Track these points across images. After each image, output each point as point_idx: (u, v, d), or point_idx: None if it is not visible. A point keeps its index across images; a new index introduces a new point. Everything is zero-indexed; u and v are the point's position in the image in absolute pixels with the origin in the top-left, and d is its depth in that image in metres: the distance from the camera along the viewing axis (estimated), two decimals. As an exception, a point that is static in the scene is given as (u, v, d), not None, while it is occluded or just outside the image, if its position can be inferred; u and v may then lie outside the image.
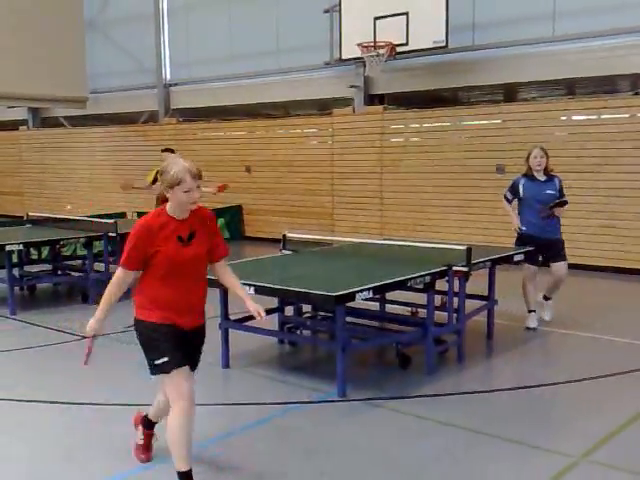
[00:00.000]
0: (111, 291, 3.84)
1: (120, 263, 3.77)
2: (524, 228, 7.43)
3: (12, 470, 4.22)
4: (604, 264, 10.69)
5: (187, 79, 16.69)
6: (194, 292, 3.83)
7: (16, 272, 9.14)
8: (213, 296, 6.21)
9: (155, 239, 3.62)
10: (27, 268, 9.75)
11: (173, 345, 3.73)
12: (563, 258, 7.39)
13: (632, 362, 6.16)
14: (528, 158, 7.38)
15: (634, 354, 6.48)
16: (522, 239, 7.45)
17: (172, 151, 11.43)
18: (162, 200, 3.73)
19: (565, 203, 7.27)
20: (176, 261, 3.66)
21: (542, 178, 7.31)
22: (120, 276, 3.79)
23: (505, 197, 7.61)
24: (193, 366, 3.95)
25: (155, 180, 11.40)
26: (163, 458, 4.31)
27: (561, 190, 7.34)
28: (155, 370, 3.77)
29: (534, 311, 7.49)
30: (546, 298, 7.72)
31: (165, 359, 3.70)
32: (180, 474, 3.76)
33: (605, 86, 11.80)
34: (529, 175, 7.37)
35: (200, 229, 3.75)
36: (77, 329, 7.41)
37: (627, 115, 10.49)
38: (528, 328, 7.37)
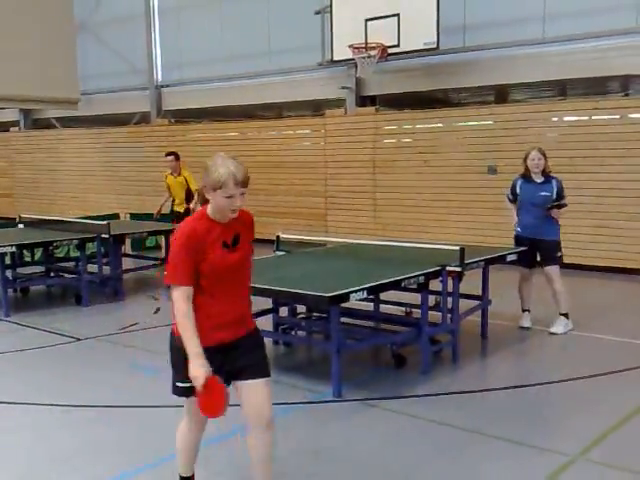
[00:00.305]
0: (185, 322, 3.24)
1: (174, 282, 3.25)
2: (519, 229, 7.46)
3: (7, 472, 4.21)
4: (597, 264, 10.74)
5: (179, 80, 16.67)
6: (240, 300, 3.45)
7: (9, 274, 9.11)
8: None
9: (203, 246, 3.23)
10: (20, 270, 9.73)
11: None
12: (555, 262, 7.29)
13: (627, 361, 6.21)
14: (526, 159, 7.34)
15: (629, 353, 6.52)
16: (517, 240, 7.49)
17: (176, 155, 11.52)
18: (203, 198, 3.36)
19: (563, 205, 7.23)
20: (222, 269, 3.28)
21: (539, 180, 7.28)
22: (181, 296, 3.24)
23: (507, 197, 7.63)
24: (259, 373, 3.51)
25: (169, 189, 11.56)
26: (162, 458, 4.32)
27: (560, 192, 7.25)
28: (176, 391, 3.48)
29: (528, 310, 7.52)
30: (561, 314, 7.45)
31: (188, 384, 3.30)
32: (180, 478, 3.81)
33: (596, 87, 11.87)
34: (526, 176, 7.36)
35: (243, 232, 3.40)
36: (69, 331, 7.42)
37: (618, 116, 10.55)
38: (522, 327, 7.41)
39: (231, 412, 5.18)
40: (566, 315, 7.34)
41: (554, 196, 7.22)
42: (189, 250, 3.21)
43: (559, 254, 7.33)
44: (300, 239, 8.00)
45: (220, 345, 3.34)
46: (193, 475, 3.78)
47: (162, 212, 11.83)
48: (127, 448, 4.50)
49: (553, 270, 7.30)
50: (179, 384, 3.43)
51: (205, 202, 3.33)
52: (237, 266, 3.34)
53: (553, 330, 7.24)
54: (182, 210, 11.46)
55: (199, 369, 3.15)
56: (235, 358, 3.42)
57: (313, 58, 13.50)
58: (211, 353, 3.24)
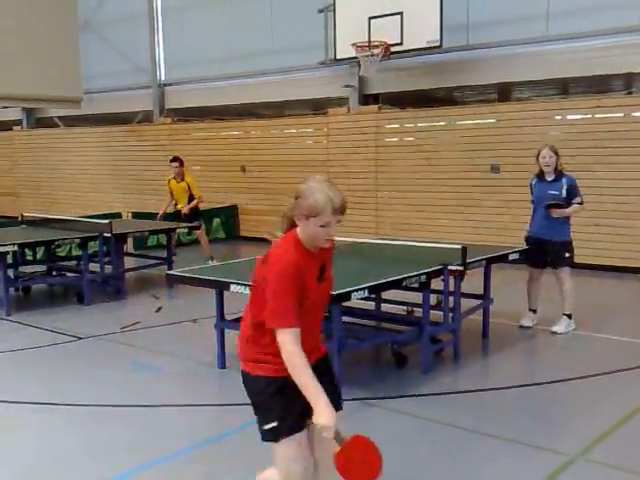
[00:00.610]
0: (301, 364, 2.82)
1: (284, 324, 2.83)
2: (529, 229, 7.39)
3: (8, 471, 4.21)
4: (597, 262, 10.72)
5: (182, 79, 16.67)
6: (317, 326, 3.18)
7: (11, 273, 9.12)
8: (209, 296, 6.24)
9: (304, 279, 2.89)
10: (22, 269, 9.73)
11: (285, 404, 2.97)
12: (564, 263, 7.20)
13: (628, 360, 6.19)
14: (537, 157, 7.20)
15: (630, 352, 6.50)
16: (526, 240, 7.42)
17: (181, 161, 11.57)
18: (289, 223, 3.03)
19: (560, 205, 7.06)
20: (318, 301, 3.02)
21: (550, 178, 7.16)
22: (292, 340, 2.81)
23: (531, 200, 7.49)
24: (336, 407, 2.96)
25: (171, 193, 11.56)
26: (164, 457, 4.32)
27: (570, 190, 7.06)
28: (266, 437, 3.06)
29: (534, 310, 7.50)
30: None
31: (276, 423, 2.99)
32: None
33: (599, 86, 11.84)
34: (539, 175, 7.25)
35: (328, 260, 3.15)
36: (71, 330, 7.42)
37: (621, 114, 10.52)
38: (521, 326, 7.40)
39: (228, 412, 5.19)
40: (569, 316, 7.31)
41: (563, 195, 7.06)
42: (295, 285, 2.85)
43: (567, 255, 7.20)
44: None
45: None
46: None
47: (167, 212, 11.84)
48: (128, 447, 4.50)
49: (563, 271, 7.25)
50: (267, 426, 3.02)
51: (290, 227, 3.02)
52: (326, 297, 3.13)
53: (555, 329, 7.21)
54: (187, 212, 11.54)
55: (328, 409, 2.80)
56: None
57: (316, 57, 13.48)
58: (292, 382, 2.86)
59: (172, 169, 11.64)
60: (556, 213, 7.11)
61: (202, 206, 12.14)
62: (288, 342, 2.81)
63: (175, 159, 11.71)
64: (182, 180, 11.58)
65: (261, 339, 2.98)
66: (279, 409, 2.98)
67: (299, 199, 2.93)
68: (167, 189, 11.84)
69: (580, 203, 7.13)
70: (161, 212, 11.76)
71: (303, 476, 3.06)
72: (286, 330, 2.82)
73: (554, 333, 7.15)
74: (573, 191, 7.10)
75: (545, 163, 7.11)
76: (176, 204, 11.76)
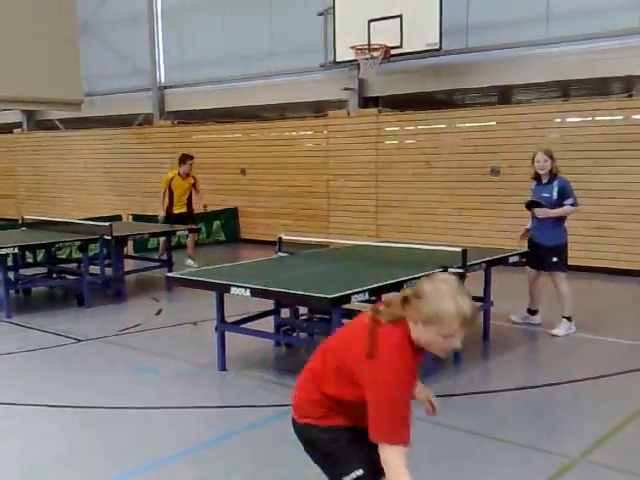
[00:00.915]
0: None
1: (399, 441, 2.53)
2: (530, 231, 7.41)
3: (8, 472, 4.21)
4: (597, 265, 10.72)
5: (182, 81, 16.68)
6: None
7: (11, 275, 9.12)
8: (209, 299, 6.23)
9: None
10: (22, 271, 9.73)
11: (367, 451, 2.66)
12: (554, 267, 7.17)
13: (628, 362, 6.19)
14: (533, 161, 7.22)
15: (629, 354, 6.50)
16: (527, 241, 7.47)
17: (191, 157, 11.55)
18: (394, 317, 2.61)
19: (540, 205, 7.04)
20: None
21: (545, 181, 7.17)
22: (401, 461, 2.54)
23: None
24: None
25: (171, 192, 11.44)
26: (163, 459, 4.32)
27: (560, 191, 7.04)
28: None
29: (533, 312, 7.53)
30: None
31: (359, 472, 2.72)
32: None
33: (599, 88, 11.85)
34: (537, 178, 7.27)
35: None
36: (71, 332, 7.42)
37: (621, 117, 10.53)
38: (511, 319, 7.56)
39: (228, 414, 5.20)
40: (569, 318, 7.30)
41: (554, 197, 7.06)
42: (410, 392, 2.59)
43: (555, 259, 7.15)
44: (302, 240, 8.00)
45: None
46: None
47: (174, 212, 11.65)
48: (127, 449, 4.49)
49: (556, 276, 7.24)
50: (351, 476, 2.73)
51: (396, 321, 2.61)
52: None
53: (554, 332, 7.20)
54: (184, 210, 11.48)
55: None
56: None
57: (316, 59, 13.50)
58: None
59: (185, 167, 11.51)
60: (539, 212, 7.08)
61: (203, 209, 12.09)
62: (398, 463, 2.51)
63: (191, 157, 11.68)
64: (188, 176, 11.55)
65: (335, 406, 2.71)
66: (360, 456, 2.71)
67: (420, 300, 2.53)
68: (163, 187, 11.57)
69: (572, 204, 7.08)
70: (164, 213, 11.58)
71: None
72: (398, 448, 2.50)
73: (554, 336, 7.15)
74: (564, 192, 7.06)
75: (540, 167, 7.13)
76: (188, 203, 11.61)
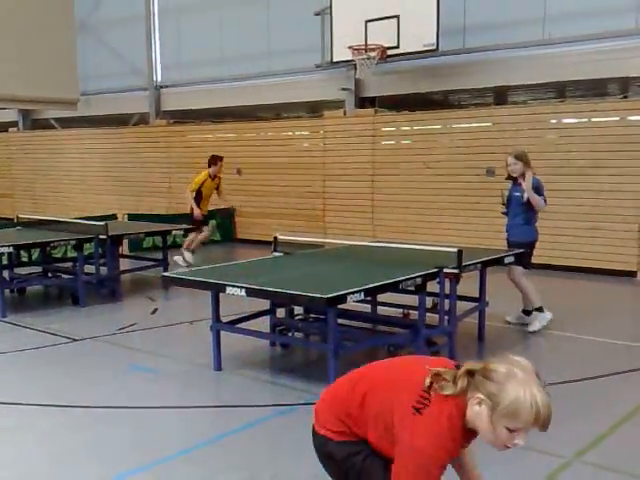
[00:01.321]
0: None
1: None
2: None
3: (6, 472, 4.20)
4: (592, 266, 10.74)
5: (178, 81, 16.66)
6: None
7: (6, 274, 9.09)
8: (205, 298, 6.23)
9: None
10: (17, 270, 9.71)
11: (386, 463, 2.56)
12: (516, 262, 7.22)
13: (624, 363, 6.20)
14: (507, 164, 7.44)
15: (624, 355, 6.52)
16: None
17: (221, 159, 11.62)
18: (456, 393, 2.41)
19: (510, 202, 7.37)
20: None
21: (520, 181, 7.35)
22: None
23: None
24: None
25: (199, 192, 11.42)
26: (159, 460, 4.31)
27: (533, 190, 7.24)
28: None
29: (527, 312, 7.55)
30: (524, 312, 7.63)
31: None
32: None
33: (595, 89, 11.88)
34: (512, 179, 7.46)
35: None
36: (66, 331, 7.40)
37: (617, 118, 10.56)
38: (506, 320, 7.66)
39: (223, 414, 5.19)
40: (539, 309, 7.38)
41: (525, 196, 7.23)
42: (441, 470, 2.40)
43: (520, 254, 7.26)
44: (298, 240, 8.00)
45: None
46: None
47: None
48: (124, 449, 4.49)
49: (514, 269, 7.32)
50: None
51: (449, 400, 2.39)
52: None
53: (530, 329, 7.30)
54: (207, 211, 11.72)
55: None
56: None
57: (312, 59, 13.50)
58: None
59: (215, 168, 11.62)
60: (525, 186, 7.18)
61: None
62: None
63: (221, 158, 11.79)
64: (216, 177, 11.73)
65: (354, 429, 2.63)
66: (383, 469, 2.54)
67: (491, 384, 2.32)
68: (191, 188, 11.55)
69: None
70: (199, 211, 11.51)
71: None
72: None
73: (531, 333, 7.24)
74: (536, 191, 7.23)
75: (511, 170, 7.34)
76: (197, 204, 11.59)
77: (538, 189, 7.27)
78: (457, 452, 2.47)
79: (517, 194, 7.31)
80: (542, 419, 2.25)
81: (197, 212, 11.45)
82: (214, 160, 11.67)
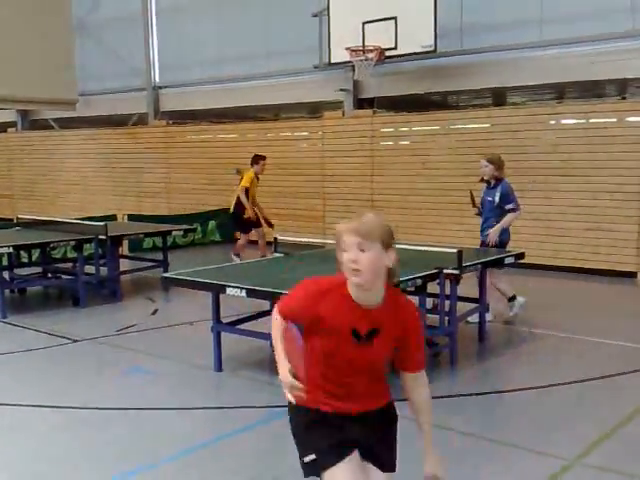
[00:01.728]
0: (275, 336, 2.96)
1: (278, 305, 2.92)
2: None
3: (4, 473, 4.21)
4: (592, 266, 10.76)
5: (176, 82, 16.67)
6: (364, 387, 2.78)
7: (6, 275, 9.10)
8: (205, 299, 6.24)
9: (323, 318, 2.68)
10: (17, 271, 9.72)
11: (324, 435, 2.71)
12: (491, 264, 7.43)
13: (624, 364, 6.22)
14: None
15: (626, 356, 6.53)
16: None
17: (263, 158, 11.39)
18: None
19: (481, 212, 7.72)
20: (348, 360, 2.67)
21: (491, 185, 7.61)
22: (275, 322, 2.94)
23: None
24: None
25: (247, 192, 11.20)
26: (159, 461, 4.33)
27: (502, 197, 7.47)
28: (307, 472, 2.81)
29: (510, 299, 7.71)
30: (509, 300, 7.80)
31: (312, 456, 2.73)
32: None
33: (593, 91, 11.90)
34: (485, 182, 7.72)
35: (385, 325, 2.65)
36: (66, 332, 7.41)
37: (615, 119, 10.58)
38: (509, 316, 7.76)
39: (224, 415, 5.20)
40: (513, 298, 7.58)
41: (496, 201, 7.47)
42: (303, 301, 2.74)
43: None
44: (298, 241, 8.01)
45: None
46: None
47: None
48: (124, 450, 4.50)
49: (493, 271, 7.42)
50: (305, 459, 2.76)
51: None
52: (370, 363, 2.70)
53: (511, 313, 7.57)
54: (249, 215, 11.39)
55: (285, 370, 2.71)
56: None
57: (311, 60, 13.51)
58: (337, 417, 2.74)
59: (258, 167, 11.40)
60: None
61: (198, 208, 12.01)
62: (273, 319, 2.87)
63: (264, 157, 11.52)
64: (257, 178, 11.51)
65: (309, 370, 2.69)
66: (317, 440, 2.70)
67: None
68: (243, 184, 11.30)
69: (513, 209, 7.46)
70: (253, 212, 11.37)
71: None
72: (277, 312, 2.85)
73: (512, 317, 7.51)
74: (505, 198, 7.48)
75: (481, 172, 7.61)
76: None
77: (507, 196, 7.48)
78: (341, 313, 2.64)
79: (489, 198, 7.54)
80: (353, 227, 2.68)
81: (252, 213, 11.28)
82: (256, 159, 11.43)
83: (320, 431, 2.70)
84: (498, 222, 7.48)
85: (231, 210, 11.47)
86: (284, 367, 2.70)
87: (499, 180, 7.53)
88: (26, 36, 14.68)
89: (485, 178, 7.58)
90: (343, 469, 2.64)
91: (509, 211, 7.46)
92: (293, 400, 2.65)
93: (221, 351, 6.10)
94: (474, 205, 7.80)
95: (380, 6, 11.89)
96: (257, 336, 6.32)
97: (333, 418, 2.70)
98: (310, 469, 2.73)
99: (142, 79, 17.10)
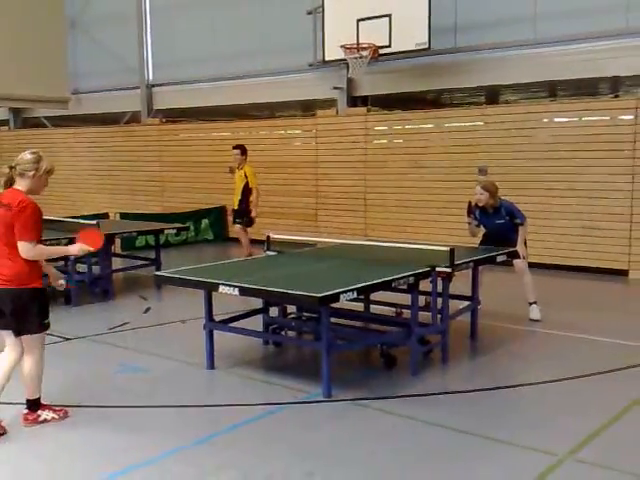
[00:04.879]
0: None
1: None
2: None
3: (-4, 472, 4.20)
4: (584, 264, 10.79)
5: (170, 79, 16.62)
6: None
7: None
8: (197, 297, 6.23)
9: None
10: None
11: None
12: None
13: (614, 361, 6.24)
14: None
15: (616, 353, 6.55)
16: None
17: (243, 149, 11.44)
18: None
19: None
20: None
21: (491, 211, 7.76)
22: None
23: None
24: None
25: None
26: (149, 458, 4.32)
27: (510, 214, 7.73)
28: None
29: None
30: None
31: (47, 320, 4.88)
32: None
33: (586, 88, 11.92)
34: (480, 208, 7.81)
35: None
36: (58, 331, 7.38)
37: (608, 117, 10.60)
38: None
39: (217, 413, 5.20)
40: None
41: (507, 219, 7.71)
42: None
43: None
44: (291, 239, 8.00)
45: None
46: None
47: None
48: (116, 448, 4.49)
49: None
50: (45, 321, 4.79)
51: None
52: None
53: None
54: (236, 207, 11.52)
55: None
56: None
57: (304, 58, 13.51)
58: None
59: (232, 157, 11.48)
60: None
61: (191, 207, 11.96)
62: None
63: (237, 146, 11.57)
64: (241, 169, 11.48)
65: None
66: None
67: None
68: (255, 184, 11.51)
69: (521, 223, 7.70)
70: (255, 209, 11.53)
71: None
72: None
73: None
74: (513, 214, 7.73)
75: (477, 199, 7.74)
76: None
77: (514, 212, 7.71)
78: None
79: (500, 221, 7.70)
80: None
81: (255, 210, 11.51)
82: (234, 148, 11.56)
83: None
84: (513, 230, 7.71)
85: (236, 207, 11.60)
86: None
87: (498, 203, 7.72)
88: (19, 34, 14.63)
89: (480, 205, 7.71)
90: None
91: (520, 224, 7.68)
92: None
93: (214, 349, 6.09)
94: (469, 215, 7.78)
95: (374, 4, 11.88)
96: (250, 334, 6.32)
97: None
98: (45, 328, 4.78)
99: (135, 77, 17.05)
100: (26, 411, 4.86)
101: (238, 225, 11.51)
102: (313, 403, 5.28)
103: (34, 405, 4.86)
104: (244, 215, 11.47)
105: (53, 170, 5.04)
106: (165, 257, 10.45)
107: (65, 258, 9.89)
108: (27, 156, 4.88)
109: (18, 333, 4.67)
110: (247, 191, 11.43)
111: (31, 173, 4.85)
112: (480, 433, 4.68)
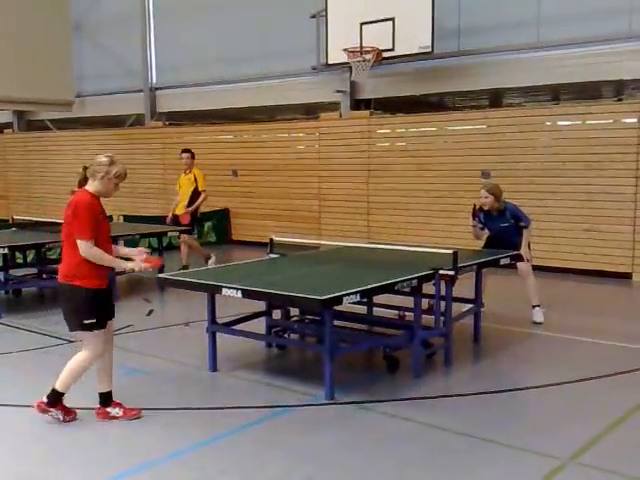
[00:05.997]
0: None
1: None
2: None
3: (-1, 474, 4.21)
4: (587, 267, 10.77)
5: (173, 82, 16.66)
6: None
7: (1, 276, 9.09)
8: (201, 300, 6.23)
9: None
10: (12, 272, 9.69)
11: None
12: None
13: (617, 365, 6.22)
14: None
15: (619, 357, 6.54)
16: None
17: (192, 153, 11.34)
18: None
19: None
20: None
21: (495, 214, 7.77)
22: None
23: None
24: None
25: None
26: (151, 461, 4.32)
27: (515, 217, 7.73)
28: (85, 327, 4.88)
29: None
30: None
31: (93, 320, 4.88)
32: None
33: (589, 92, 11.92)
34: (484, 211, 7.84)
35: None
36: (62, 333, 7.39)
37: (611, 121, 10.60)
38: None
39: (219, 416, 5.19)
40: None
41: (511, 222, 7.72)
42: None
43: None
44: (294, 242, 8.00)
45: None
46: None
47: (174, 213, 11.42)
48: (119, 450, 4.49)
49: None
50: (86, 321, 4.79)
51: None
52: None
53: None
54: (181, 213, 11.24)
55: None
56: None
57: (308, 61, 13.52)
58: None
59: (183, 161, 11.36)
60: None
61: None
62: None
63: (186, 150, 11.45)
64: (190, 172, 11.31)
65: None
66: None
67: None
68: (177, 185, 11.48)
69: (526, 226, 7.72)
70: (170, 214, 11.40)
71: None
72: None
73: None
74: (517, 217, 7.74)
75: (482, 202, 7.75)
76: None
77: (518, 215, 7.72)
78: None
79: (505, 225, 7.71)
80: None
81: (169, 214, 11.44)
82: (182, 152, 11.45)
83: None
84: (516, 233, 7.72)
85: (181, 212, 11.23)
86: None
87: (503, 206, 7.73)
88: (23, 37, 14.68)
89: (485, 208, 7.72)
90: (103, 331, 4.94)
91: (524, 227, 7.71)
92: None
93: (216, 352, 6.10)
94: (474, 218, 7.78)
95: (378, 7, 11.89)
96: (253, 337, 6.32)
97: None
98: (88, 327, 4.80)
99: (139, 80, 17.08)
100: (45, 402, 4.88)
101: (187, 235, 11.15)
102: (316, 406, 5.28)
103: (53, 396, 4.87)
104: (194, 222, 11.32)
105: (124, 176, 5.17)
106: (168, 259, 10.45)
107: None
108: (101, 158, 5.14)
109: (69, 328, 4.93)
110: (195, 195, 11.16)
111: (100, 175, 5.06)
112: (483, 436, 4.67)
